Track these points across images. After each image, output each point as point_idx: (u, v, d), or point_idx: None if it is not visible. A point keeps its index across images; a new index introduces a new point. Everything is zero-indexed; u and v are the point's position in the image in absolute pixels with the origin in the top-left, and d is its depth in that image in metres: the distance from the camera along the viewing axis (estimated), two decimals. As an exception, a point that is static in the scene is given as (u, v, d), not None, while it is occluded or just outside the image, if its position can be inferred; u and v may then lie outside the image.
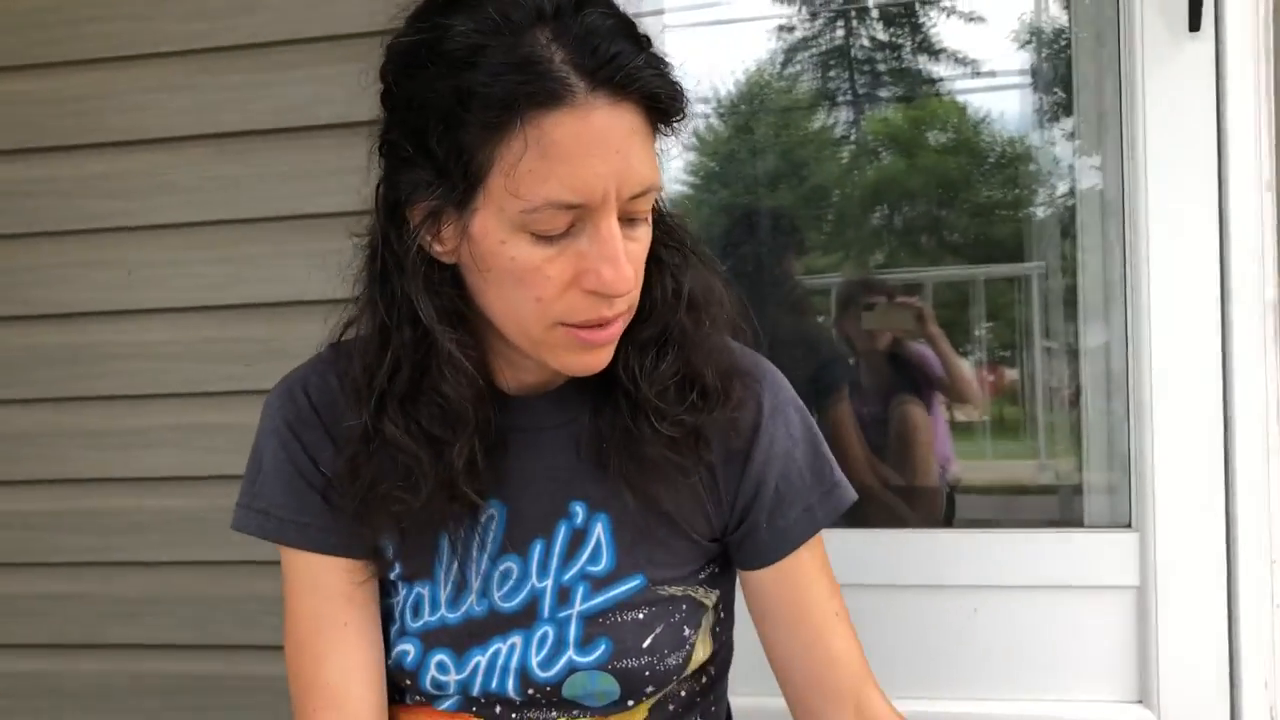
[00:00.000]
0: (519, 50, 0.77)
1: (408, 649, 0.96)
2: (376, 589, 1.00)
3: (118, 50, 1.88)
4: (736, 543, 1.01)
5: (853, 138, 2.94)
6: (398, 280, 0.88)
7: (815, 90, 2.83)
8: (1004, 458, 2.57)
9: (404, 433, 0.89)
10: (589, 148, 0.78)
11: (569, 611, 0.94)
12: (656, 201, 0.91)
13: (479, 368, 0.91)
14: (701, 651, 1.01)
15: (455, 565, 0.95)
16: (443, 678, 0.95)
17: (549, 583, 0.95)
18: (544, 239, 0.81)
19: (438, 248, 0.87)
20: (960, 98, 2.81)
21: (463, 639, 0.95)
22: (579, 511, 0.96)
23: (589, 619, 0.94)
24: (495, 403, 0.94)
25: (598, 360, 0.88)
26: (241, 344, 1.87)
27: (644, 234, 0.86)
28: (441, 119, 0.80)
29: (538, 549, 0.95)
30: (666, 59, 0.85)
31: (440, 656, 0.95)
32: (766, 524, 0.98)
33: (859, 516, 2.16)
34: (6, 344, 1.96)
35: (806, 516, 0.99)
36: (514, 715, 0.96)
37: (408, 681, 0.98)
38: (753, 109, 2.77)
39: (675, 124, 0.86)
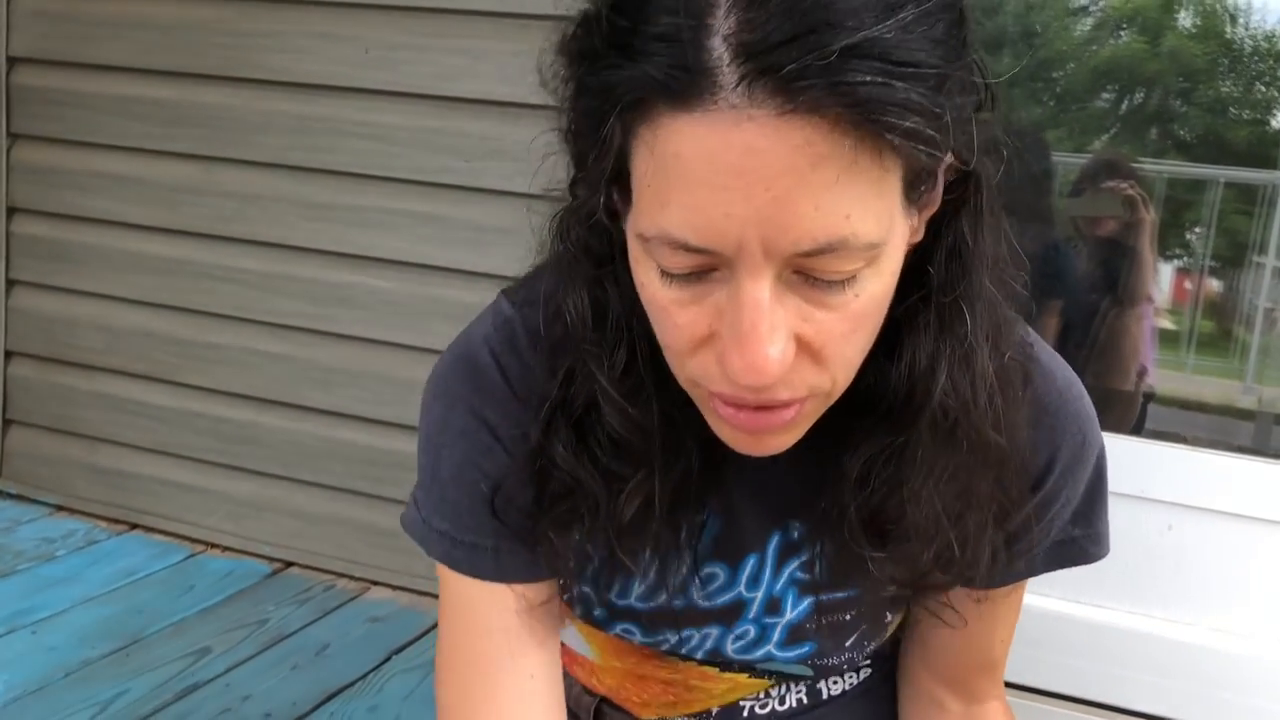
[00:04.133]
0: (680, 7, 0.53)
1: (593, 609, 0.84)
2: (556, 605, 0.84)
3: None
4: None
5: (1093, 8, 2.74)
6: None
7: (1062, -49, 2.63)
8: (1205, 374, 2.45)
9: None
10: (722, 175, 0.53)
11: (776, 620, 0.83)
12: (956, 233, 0.65)
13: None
14: (895, 625, 0.91)
15: (655, 565, 0.78)
16: (628, 637, 0.86)
17: (759, 594, 0.81)
18: (671, 277, 0.59)
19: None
20: (1220, -22, 2.58)
21: (654, 622, 0.83)
22: (795, 528, 0.80)
23: (795, 626, 0.83)
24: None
25: (761, 446, 0.65)
26: (464, 139, 1.89)
27: (843, 303, 0.58)
28: (589, 82, 0.59)
29: (750, 562, 0.81)
30: (933, 41, 0.54)
31: (627, 625, 0.84)
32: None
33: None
34: (239, 107, 2.02)
35: (1027, 564, 0.81)
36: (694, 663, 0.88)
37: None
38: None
39: (921, 152, 0.55)
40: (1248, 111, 2.48)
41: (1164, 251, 2.61)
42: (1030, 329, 0.78)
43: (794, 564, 0.80)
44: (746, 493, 0.79)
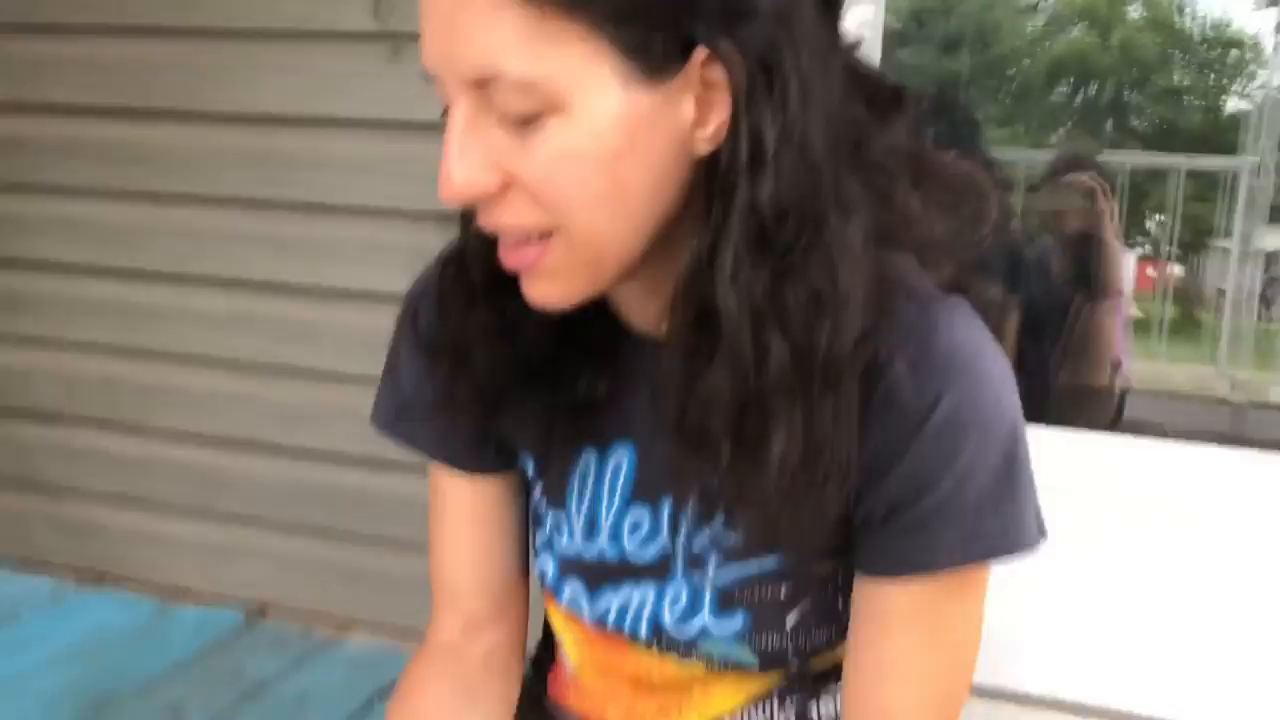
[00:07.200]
0: None
1: (547, 568, 0.90)
2: (509, 501, 0.94)
3: None
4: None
5: (1043, 6, 2.76)
6: None
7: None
8: (1179, 361, 2.46)
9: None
10: (424, 8, 0.63)
11: (702, 579, 0.82)
12: (751, 130, 0.62)
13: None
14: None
15: (586, 502, 0.85)
16: (576, 607, 0.89)
17: (679, 544, 0.82)
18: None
19: None
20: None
21: (595, 576, 0.86)
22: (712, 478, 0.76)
23: (723, 590, 0.81)
24: (618, 338, 0.80)
25: (529, 290, 0.70)
26: (428, 165, 1.84)
27: (532, 147, 0.62)
28: None
29: (667, 505, 0.81)
30: None
31: (574, 585, 0.88)
32: (884, 533, 0.73)
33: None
34: (191, 144, 1.97)
35: (925, 551, 0.72)
36: (655, 647, 0.87)
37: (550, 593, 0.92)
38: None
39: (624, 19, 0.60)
40: (1200, 99, 2.50)
41: (1129, 240, 2.62)
42: (963, 301, 0.72)
43: (717, 521, 0.78)
44: (654, 425, 0.76)
